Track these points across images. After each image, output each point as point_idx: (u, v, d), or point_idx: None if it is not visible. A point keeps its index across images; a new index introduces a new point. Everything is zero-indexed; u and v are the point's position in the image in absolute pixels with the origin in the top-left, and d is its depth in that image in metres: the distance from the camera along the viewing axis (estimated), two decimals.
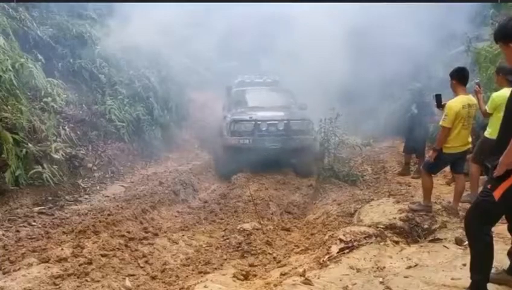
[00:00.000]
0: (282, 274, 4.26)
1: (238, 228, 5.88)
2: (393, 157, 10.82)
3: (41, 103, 7.66)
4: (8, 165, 6.22)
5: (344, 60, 12.11)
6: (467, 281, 3.22)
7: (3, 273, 4.16)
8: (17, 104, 6.77)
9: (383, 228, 5.13)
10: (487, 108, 5.53)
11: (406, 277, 3.69)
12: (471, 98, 5.38)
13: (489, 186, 3.04)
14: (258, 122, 9.33)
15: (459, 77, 5.33)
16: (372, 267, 4.11)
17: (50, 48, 9.16)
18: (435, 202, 5.83)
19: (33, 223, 5.66)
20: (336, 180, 8.46)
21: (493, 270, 3.23)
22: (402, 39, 12.07)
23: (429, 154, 5.57)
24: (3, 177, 6.13)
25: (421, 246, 4.72)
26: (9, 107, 6.57)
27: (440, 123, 5.34)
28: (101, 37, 10.89)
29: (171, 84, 12.90)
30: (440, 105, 5.68)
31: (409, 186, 7.83)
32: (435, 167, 5.67)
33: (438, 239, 4.84)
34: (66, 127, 8.12)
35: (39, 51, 8.49)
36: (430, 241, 4.89)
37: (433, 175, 5.78)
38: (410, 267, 4.06)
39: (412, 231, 5.18)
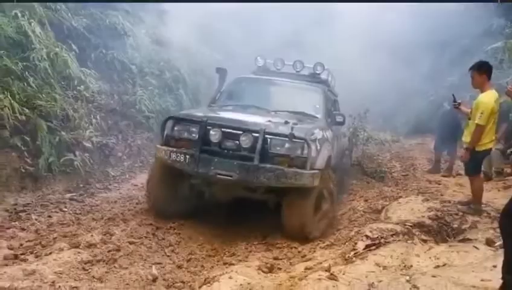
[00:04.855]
0: (306, 268, 4.24)
1: None
2: (423, 155, 10.63)
3: (74, 92, 7.82)
4: (41, 152, 6.41)
5: (376, 57, 11.94)
6: (497, 283, 3.14)
7: (36, 257, 4.26)
8: (52, 92, 6.95)
9: (410, 226, 5.05)
10: None
11: (433, 276, 3.62)
12: (496, 92, 5.27)
13: None
14: (208, 127, 5.15)
15: (490, 72, 5.20)
16: (399, 265, 4.06)
17: (84, 38, 9.30)
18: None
19: (64, 209, 5.79)
20: (363, 176, 8.39)
21: None
22: (436, 36, 11.82)
23: (462, 155, 5.43)
24: (37, 164, 6.32)
25: (450, 245, 4.63)
26: (43, 95, 6.74)
27: (476, 121, 5.19)
28: (133, 28, 11.02)
29: (201, 77, 12.95)
30: (459, 105, 5.59)
31: (439, 184, 7.67)
32: (478, 167, 5.52)
33: (468, 239, 4.75)
34: (97, 116, 8.26)
35: (73, 41, 8.63)
36: (459, 241, 4.80)
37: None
38: (438, 266, 3.99)
39: (441, 230, 5.09)
